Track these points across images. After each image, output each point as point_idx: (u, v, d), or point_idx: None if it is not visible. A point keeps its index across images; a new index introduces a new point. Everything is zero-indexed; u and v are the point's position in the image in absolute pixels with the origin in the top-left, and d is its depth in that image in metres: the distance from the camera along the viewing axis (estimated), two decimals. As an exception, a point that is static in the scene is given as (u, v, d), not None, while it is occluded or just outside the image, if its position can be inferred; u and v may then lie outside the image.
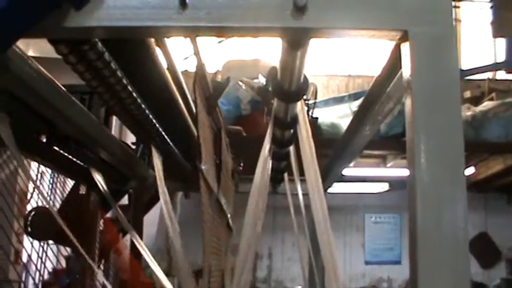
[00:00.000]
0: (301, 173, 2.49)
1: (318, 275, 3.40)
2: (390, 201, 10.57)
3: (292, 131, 2.45)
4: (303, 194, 2.93)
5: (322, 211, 1.94)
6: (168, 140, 2.51)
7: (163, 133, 2.41)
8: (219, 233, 2.87)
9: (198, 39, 2.28)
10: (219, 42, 8.56)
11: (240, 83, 6.89)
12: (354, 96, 7.76)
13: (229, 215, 3.42)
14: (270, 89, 5.43)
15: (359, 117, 2.60)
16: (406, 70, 1.28)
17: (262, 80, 6.64)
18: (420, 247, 1.21)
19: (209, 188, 2.17)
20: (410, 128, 1.27)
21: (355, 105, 7.03)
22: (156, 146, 2.44)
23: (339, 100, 8.10)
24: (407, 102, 1.28)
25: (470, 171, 8.06)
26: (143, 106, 2.02)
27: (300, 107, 2.22)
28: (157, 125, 2.34)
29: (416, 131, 1.24)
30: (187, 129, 2.48)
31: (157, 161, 2.43)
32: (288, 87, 1.91)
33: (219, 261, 2.73)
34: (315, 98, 6.94)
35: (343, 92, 9.70)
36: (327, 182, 3.72)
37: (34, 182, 3.00)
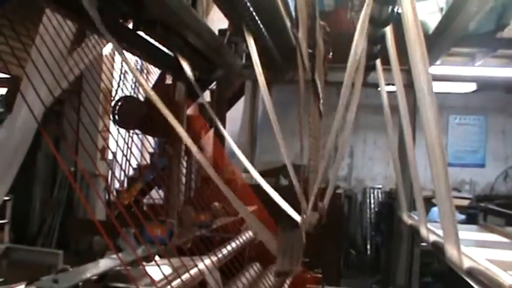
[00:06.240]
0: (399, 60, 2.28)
1: (405, 172, 3.26)
2: (476, 102, 10.15)
3: (390, 8, 2.20)
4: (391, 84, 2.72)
5: (429, 90, 1.74)
6: (261, 24, 2.33)
7: (256, 17, 2.23)
8: (314, 116, 2.70)
9: None
10: None
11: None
12: (443, -8, 7.28)
13: (321, 100, 3.23)
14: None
15: (452, 11, 2.33)
16: None
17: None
18: None
19: (303, 66, 1.98)
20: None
21: (442, 1, 6.60)
22: (248, 30, 2.26)
23: (425, -5, 7.65)
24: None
25: None
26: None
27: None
28: (250, 7, 2.17)
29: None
30: (280, 16, 2.28)
31: (251, 45, 2.24)
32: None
33: (315, 144, 2.58)
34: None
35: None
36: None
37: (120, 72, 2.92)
